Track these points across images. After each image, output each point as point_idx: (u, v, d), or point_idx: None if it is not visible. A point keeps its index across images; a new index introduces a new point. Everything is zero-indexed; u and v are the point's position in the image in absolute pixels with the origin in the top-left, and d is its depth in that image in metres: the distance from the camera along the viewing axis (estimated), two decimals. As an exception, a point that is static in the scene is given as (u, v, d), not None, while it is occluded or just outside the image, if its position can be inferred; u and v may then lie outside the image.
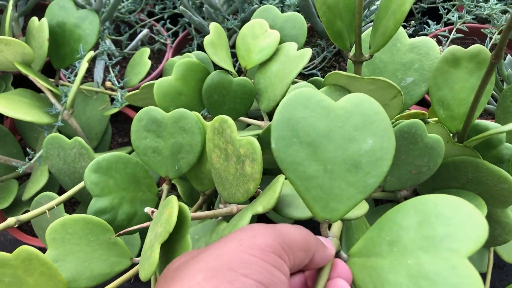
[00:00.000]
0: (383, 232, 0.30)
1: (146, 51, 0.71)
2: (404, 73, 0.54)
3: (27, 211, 0.73)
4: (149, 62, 0.67)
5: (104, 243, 0.48)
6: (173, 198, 0.37)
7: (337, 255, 0.33)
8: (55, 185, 0.70)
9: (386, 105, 0.49)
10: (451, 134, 0.51)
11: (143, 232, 0.51)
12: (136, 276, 0.48)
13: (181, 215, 0.40)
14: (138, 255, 0.54)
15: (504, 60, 0.69)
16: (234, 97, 0.58)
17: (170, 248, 0.42)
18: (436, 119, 0.57)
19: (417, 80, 0.53)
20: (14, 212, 0.69)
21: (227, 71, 0.59)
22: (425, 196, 0.30)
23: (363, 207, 0.40)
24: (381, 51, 0.55)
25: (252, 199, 0.45)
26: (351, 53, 0.49)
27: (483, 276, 0.54)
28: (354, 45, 0.48)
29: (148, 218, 0.50)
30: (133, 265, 0.49)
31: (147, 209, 0.43)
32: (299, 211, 0.39)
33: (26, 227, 0.72)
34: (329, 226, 0.35)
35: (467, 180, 0.50)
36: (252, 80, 0.62)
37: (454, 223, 0.27)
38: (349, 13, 0.47)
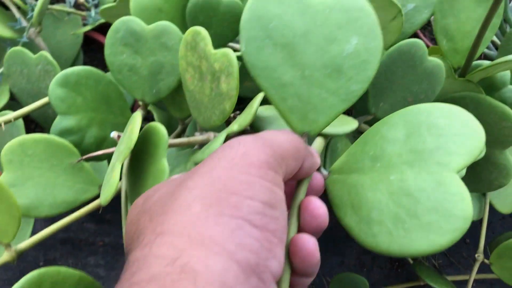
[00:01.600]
0: (367, 147, 0.27)
1: (124, -31, 0.64)
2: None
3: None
4: (126, -20, 0.61)
5: (69, 168, 0.44)
6: (137, 113, 0.33)
7: (317, 171, 0.29)
8: (17, 108, 0.64)
9: (385, 28, 0.44)
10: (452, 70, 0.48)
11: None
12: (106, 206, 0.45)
13: (156, 136, 0.36)
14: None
15: (510, 3, 0.65)
16: (221, 19, 0.53)
17: (144, 174, 0.38)
18: (437, 55, 0.53)
19: (418, 6, 0.49)
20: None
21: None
22: (417, 105, 0.27)
23: (352, 123, 0.37)
24: (383, -25, 0.50)
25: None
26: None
27: (479, 223, 0.52)
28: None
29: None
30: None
31: (114, 134, 0.39)
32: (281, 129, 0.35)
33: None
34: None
35: (466, 118, 0.47)
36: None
37: (447, 133, 0.24)
38: None
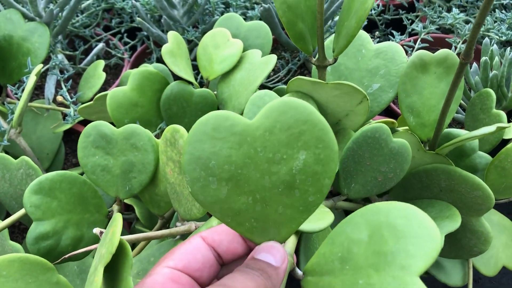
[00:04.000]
0: (334, 247, 0.28)
1: (101, 63, 0.66)
2: (370, 80, 0.51)
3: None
4: (103, 75, 0.63)
5: (45, 283, 0.43)
6: (117, 215, 0.33)
7: (292, 272, 0.29)
8: (1, 211, 0.64)
9: (352, 112, 0.46)
10: (422, 144, 0.49)
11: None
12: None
13: (123, 254, 0.36)
14: None
15: (470, 68, 0.68)
16: (195, 109, 0.55)
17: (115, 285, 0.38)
18: (406, 127, 0.55)
19: (383, 86, 0.51)
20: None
21: (188, 82, 0.55)
22: (376, 204, 0.27)
23: (328, 218, 0.37)
24: (346, 57, 0.53)
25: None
26: (315, 58, 0.46)
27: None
28: (317, 50, 0.45)
29: (97, 241, 0.45)
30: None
31: (96, 230, 0.39)
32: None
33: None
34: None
35: (440, 189, 0.47)
36: (215, 92, 0.58)
37: (406, 235, 0.24)
38: (310, 15, 0.44)
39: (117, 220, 0.32)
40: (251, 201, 0.28)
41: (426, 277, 0.53)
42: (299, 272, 0.30)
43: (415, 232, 0.24)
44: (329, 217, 0.37)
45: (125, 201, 0.52)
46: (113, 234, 0.31)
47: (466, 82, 0.70)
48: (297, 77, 0.44)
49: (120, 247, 0.35)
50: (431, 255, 0.23)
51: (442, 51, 0.49)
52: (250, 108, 0.47)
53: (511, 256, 0.53)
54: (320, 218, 0.36)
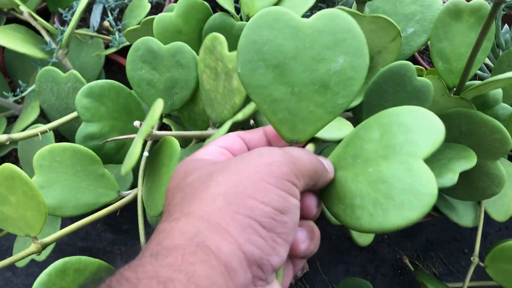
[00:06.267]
0: (348, 148, 0.31)
1: (146, -6, 0.69)
2: (406, 24, 0.53)
3: (15, 150, 0.72)
4: (148, 5, 0.66)
5: (92, 174, 0.47)
6: (158, 100, 0.37)
7: None
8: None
9: (385, 49, 0.48)
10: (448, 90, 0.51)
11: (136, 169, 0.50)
12: (122, 208, 0.48)
13: (170, 149, 0.40)
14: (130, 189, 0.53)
15: (502, 29, 0.69)
16: (234, 41, 0.57)
17: (159, 184, 0.42)
18: (434, 75, 0.57)
19: (417, 30, 0.53)
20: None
21: (230, 15, 0.58)
22: (389, 109, 0.30)
23: (346, 128, 0.40)
24: (384, 1, 0.54)
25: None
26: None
27: (475, 229, 0.54)
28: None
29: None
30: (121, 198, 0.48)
31: (136, 123, 0.43)
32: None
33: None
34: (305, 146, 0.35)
35: (460, 132, 0.50)
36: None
37: (414, 129, 0.28)
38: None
39: (157, 104, 0.36)
40: (289, 93, 0.31)
41: (438, 216, 0.56)
42: None
43: (422, 127, 0.27)
44: (347, 127, 0.40)
45: (163, 120, 0.56)
46: (152, 114, 0.35)
47: (496, 42, 0.71)
48: (338, 6, 0.46)
49: (168, 144, 0.40)
50: (435, 144, 0.27)
51: (477, 1, 0.51)
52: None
53: (521, 206, 0.56)
54: (341, 128, 0.39)
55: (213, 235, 0.23)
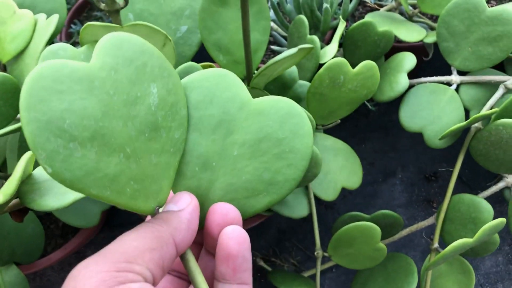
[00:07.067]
0: None
1: None
2: (177, 23, 0.48)
3: None
4: None
5: None
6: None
7: None
8: None
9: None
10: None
11: None
12: None
13: None
14: None
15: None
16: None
17: None
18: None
19: (191, 27, 0.48)
20: None
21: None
22: None
23: None
24: (148, 2, 0.48)
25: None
26: (103, 3, 0.41)
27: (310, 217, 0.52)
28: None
29: None
30: None
31: None
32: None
33: None
34: None
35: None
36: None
37: None
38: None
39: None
40: (123, 159, 0.24)
41: (271, 215, 0.52)
42: None
43: None
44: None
45: None
46: None
47: (282, 12, 0.69)
48: (87, 23, 0.38)
49: None
50: None
51: (239, -18, 0.47)
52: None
53: (348, 176, 0.54)
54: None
55: None
